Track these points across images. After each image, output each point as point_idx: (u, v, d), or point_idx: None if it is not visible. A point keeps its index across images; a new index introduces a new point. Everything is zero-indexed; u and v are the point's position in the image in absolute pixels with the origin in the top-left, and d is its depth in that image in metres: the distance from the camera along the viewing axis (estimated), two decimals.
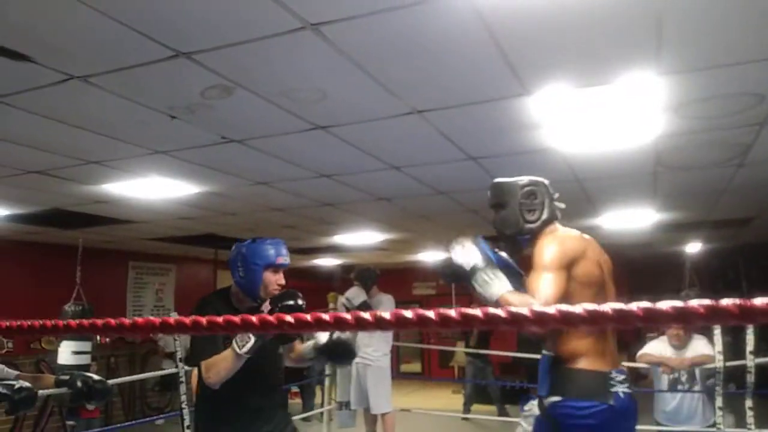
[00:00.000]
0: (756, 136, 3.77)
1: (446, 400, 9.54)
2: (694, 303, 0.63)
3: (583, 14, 2.17)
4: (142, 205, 5.58)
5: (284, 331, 0.82)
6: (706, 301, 0.63)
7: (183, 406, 3.92)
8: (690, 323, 0.63)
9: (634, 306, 0.61)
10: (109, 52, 2.43)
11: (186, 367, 4.00)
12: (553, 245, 2.14)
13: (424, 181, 4.93)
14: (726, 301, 0.59)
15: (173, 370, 4.11)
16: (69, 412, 5.50)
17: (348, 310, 5.69)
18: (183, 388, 3.97)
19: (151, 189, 4.90)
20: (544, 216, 2.29)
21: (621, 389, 2.00)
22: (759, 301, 0.58)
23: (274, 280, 2.40)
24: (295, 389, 8.82)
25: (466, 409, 8.06)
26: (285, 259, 2.44)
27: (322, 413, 5.91)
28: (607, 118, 3.37)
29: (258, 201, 5.65)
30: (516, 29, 2.28)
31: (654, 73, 2.72)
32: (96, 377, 2.46)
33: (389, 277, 8.24)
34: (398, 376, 11.83)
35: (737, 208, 6.48)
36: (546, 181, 2.43)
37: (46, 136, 3.53)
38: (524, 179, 2.37)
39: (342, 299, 6.00)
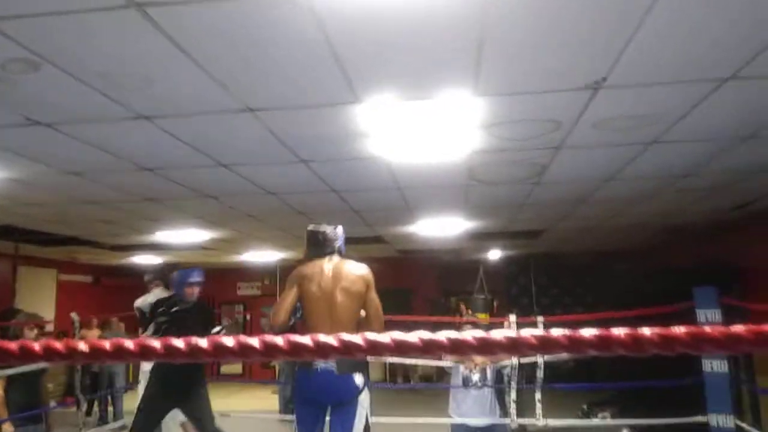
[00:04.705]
0: (551, 158, 4.31)
1: (267, 401, 9.46)
2: (466, 334, 0.74)
3: (413, 32, 2.33)
4: None
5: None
6: (479, 333, 0.73)
7: None
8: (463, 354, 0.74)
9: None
10: None
11: None
12: None
13: (253, 180, 4.88)
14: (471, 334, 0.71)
15: None
16: None
17: (143, 314, 5.39)
18: None
19: None
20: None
21: (320, 366, 3.19)
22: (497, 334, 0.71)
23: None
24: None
25: (288, 409, 8.04)
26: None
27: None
28: (428, 132, 3.63)
29: (69, 192, 5.15)
30: (350, 35, 2.37)
31: (471, 94, 3.00)
32: None
33: (214, 277, 7.97)
34: (219, 378, 11.47)
35: (532, 222, 7.36)
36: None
37: None
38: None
39: (138, 302, 5.73)
